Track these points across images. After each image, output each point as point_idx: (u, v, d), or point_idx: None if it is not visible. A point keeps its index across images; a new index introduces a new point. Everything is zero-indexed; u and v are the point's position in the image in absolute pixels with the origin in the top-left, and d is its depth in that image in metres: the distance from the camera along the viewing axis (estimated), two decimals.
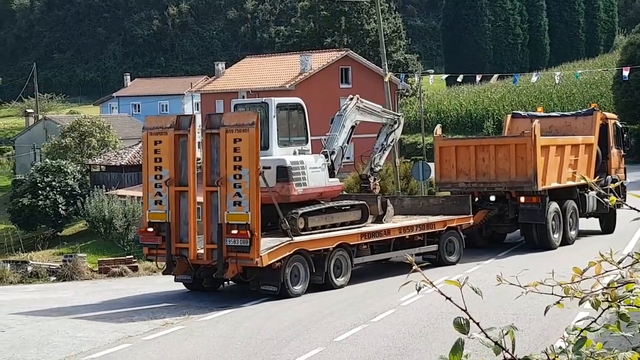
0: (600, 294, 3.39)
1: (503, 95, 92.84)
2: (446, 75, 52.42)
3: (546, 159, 28.11)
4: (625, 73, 46.92)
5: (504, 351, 3.17)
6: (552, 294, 3.53)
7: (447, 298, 3.34)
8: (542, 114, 33.97)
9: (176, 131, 21.97)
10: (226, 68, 73.52)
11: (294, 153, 23.94)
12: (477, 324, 3.21)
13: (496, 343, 3.13)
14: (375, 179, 27.53)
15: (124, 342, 17.40)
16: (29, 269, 33.72)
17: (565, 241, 29.15)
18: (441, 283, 3.50)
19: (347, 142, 25.92)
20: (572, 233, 29.79)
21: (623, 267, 3.39)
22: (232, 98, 64.03)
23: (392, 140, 28.12)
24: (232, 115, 22.06)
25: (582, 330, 3.39)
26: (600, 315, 3.50)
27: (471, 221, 27.35)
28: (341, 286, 22.93)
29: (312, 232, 23.04)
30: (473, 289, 3.28)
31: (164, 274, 23.11)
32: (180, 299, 22.33)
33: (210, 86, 70.36)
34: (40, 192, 49.09)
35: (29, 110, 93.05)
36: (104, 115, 78.34)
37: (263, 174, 21.19)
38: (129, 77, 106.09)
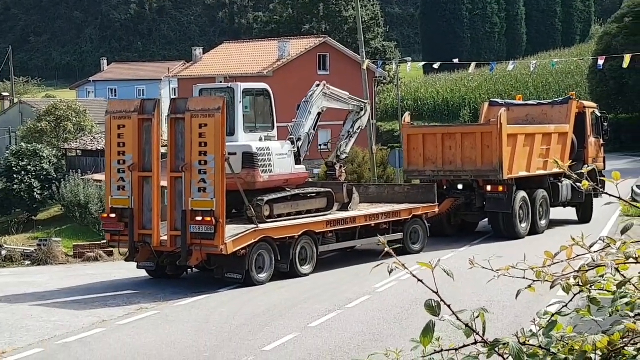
0: (571, 278, 3.41)
1: (480, 84, 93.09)
2: (423, 63, 52.48)
3: (513, 148, 27.95)
4: (601, 62, 47.10)
5: (475, 334, 3.19)
6: (524, 277, 3.56)
7: (419, 280, 3.36)
8: (519, 102, 33.94)
9: (140, 115, 21.63)
10: (204, 53, 73.19)
11: (260, 139, 23.68)
12: (449, 306, 3.23)
13: (467, 325, 3.15)
14: (341, 167, 27.39)
15: (99, 327, 17.36)
16: (3, 253, 33.56)
17: (535, 230, 29.03)
18: (415, 268, 3.52)
19: (314, 129, 25.71)
20: (542, 222, 29.68)
21: (594, 251, 3.42)
22: (209, 83, 64.09)
23: (359, 128, 27.89)
24: (198, 100, 21.71)
25: (553, 315, 3.42)
26: (571, 300, 3.52)
27: (437, 210, 27.21)
28: (306, 274, 22.73)
29: (278, 219, 22.84)
30: (445, 271, 3.30)
31: (126, 260, 22.83)
32: (156, 284, 22.26)
33: (188, 71, 70.07)
34: (15, 176, 48.80)
35: (4, 94, 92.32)
36: (81, 100, 77.90)
37: (229, 160, 20.98)
38: (105, 61, 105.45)
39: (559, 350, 3.27)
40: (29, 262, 31.53)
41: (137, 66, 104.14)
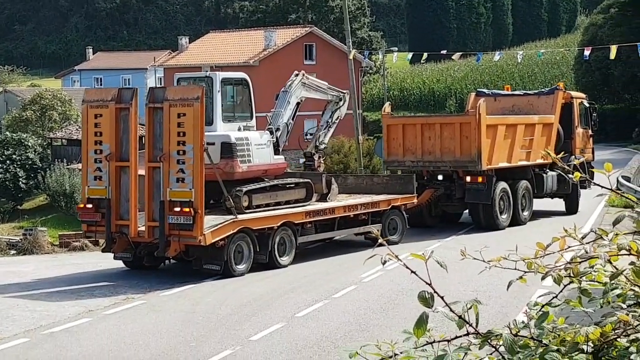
0: (563, 269, 3.41)
1: (466, 74, 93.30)
2: (411, 54, 52.38)
3: (493, 139, 27.76)
4: (586, 53, 47.20)
5: (467, 325, 3.19)
6: (515, 269, 3.56)
7: (412, 272, 3.35)
8: (506, 92, 33.77)
9: (117, 104, 21.33)
10: (190, 43, 73.03)
11: (239, 129, 23.50)
12: (442, 297, 3.23)
13: (460, 317, 3.14)
14: (320, 157, 27.26)
15: (85, 316, 17.33)
16: None
17: (516, 222, 28.85)
18: (405, 258, 3.51)
19: (292, 119, 25.52)
20: (525, 214, 29.52)
21: (587, 243, 3.42)
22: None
23: (337, 118, 27.71)
24: (176, 89, 21.48)
25: (543, 306, 3.42)
26: (561, 291, 3.53)
27: (415, 200, 27.10)
28: (285, 265, 22.55)
29: (257, 210, 22.63)
30: (438, 263, 3.29)
31: (103, 251, 22.65)
32: (142, 274, 22.21)
33: (174, 61, 69.87)
34: (0, 165, 48.61)
35: None
36: (66, 89, 77.53)
37: (207, 150, 20.74)
38: (91, 50, 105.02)
39: (550, 341, 3.27)
40: (15, 252, 31.41)
41: (122, 55, 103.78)
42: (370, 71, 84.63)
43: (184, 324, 16.40)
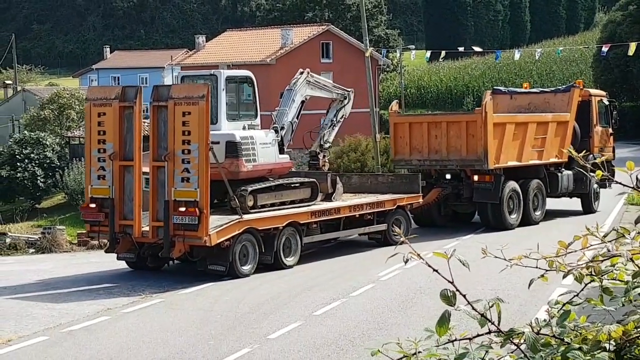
0: (584, 268, 3.41)
1: (483, 72, 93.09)
2: (429, 52, 52.23)
3: (501, 137, 27.40)
4: (605, 49, 46.92)
5: (489, 323, 3.19)
6: (536, 267, 3.55)
7: (434, 270, 3.35)
8: (522, 90, 33.41)
9: (121, 103, 21.08)
10: (207, 41, 73.13)
11: (244, 128, 23.22)
12: (464, 296, 3.23)
13: (482, 315, 3.14)
14: (324, 156, 26.98)
15: (103, 315, 17.40)
16: (8, 240, 33.64)
17: (527, 221, 28.41)
18: (426, 256, 3.51)
19: (297, 118, 25.17)
20: (537, 213, 29.07)
21: (608, 241, 3.41)
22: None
23: (342, 117, 27.35)
24: (181, 87, 21.22)
25: (564, 304, 3.41)
26: (582, 289, 3.52)
27: (421, 200, 26.78)
28: (290, 266, 22.26)
29: (262, 210, 22.35)
30: (460, 261, 3.29)
31: (106, 252, 22.32)
32: (159, 273, 22.26)
33: (191, 59, 69.96)
34: (18, 164, 48.78)
35: (7, 82, 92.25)
36: (83, 88, 77.79)
37: (213, 149, 20.46)
38: (108, 49, 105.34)
39: (571, 339, 3.26)
40: (34, 250, 31.59)
41: (140, 54, 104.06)
42: (388, 69, 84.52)
43: (202, 322, 16.43)
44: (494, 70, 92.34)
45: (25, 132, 53.94)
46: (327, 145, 27.21)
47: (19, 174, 48.48)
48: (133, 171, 21.02)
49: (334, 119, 27.18)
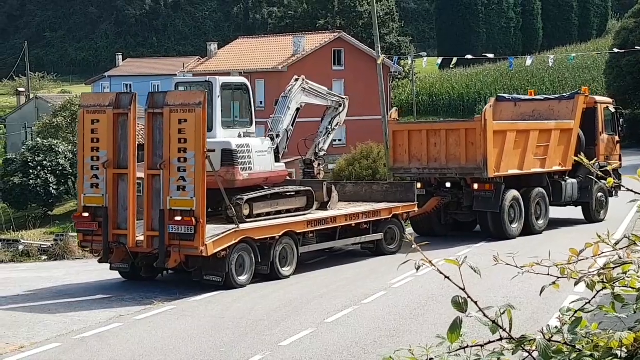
0: (596, 275, 3.41)
1: (495, 79, 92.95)
2: (441, 59, 52.22)
3: (502, 145, 26.91)
4: (618, 50, 46.62)
5: (501, 330, 3.19)
6: (548, 274, 3.55)
7: (445, 277, 3.36)
8: (526, 97, 33.08)
9: (115, 110, 20.68)
10: (219, 49, 73.34)
11: (239, 135, 22.90)
12: (476, 303, 3.23)
13: (494, 322, 3.15)
14: (319, 164, 26.52)
15: (116, 322, 17.43)
16: (20, 247, 33.72)
17: (529, 231, 27.94)
18: (437, 263, 3.51)
19: (292, 125, 24.84)
20: (540, 222, 28.58)
21: (620, 249, 3.42)
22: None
23: (337, 124, 27.03)
24: (177, 94, 20.74)
25: (576, 311, 3.41)
26: (594, 297, 3.52)
27: (416, 209, 26.43)
28: (287, 276, 21.86)
29: (257, 219, 21.95)
30: (472, 268, 3.30)
31: (99, 262, 21.71)
32: (171, 280, 22.28)
33: (203, 67, 70.17)
34: (31, 171, 48.98)
35: (20, 89, 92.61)
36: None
37: (210, 158, 20.07)
38: (120, 56, 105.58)
39: (583, 346, 3.26)
40: (46, 257, 31.66)
41: (152, 61, 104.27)
42: (400, 77, 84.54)
43: (214, 329, 16.45)
44: (506, 77, 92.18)
45: (38, 139, 54.16)
46: (322, 154, 26.71)
47: (31, 181, 48.68)
48: (127, 179, 20.62)
49: (329, 127, 26.80)
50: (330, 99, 26.79)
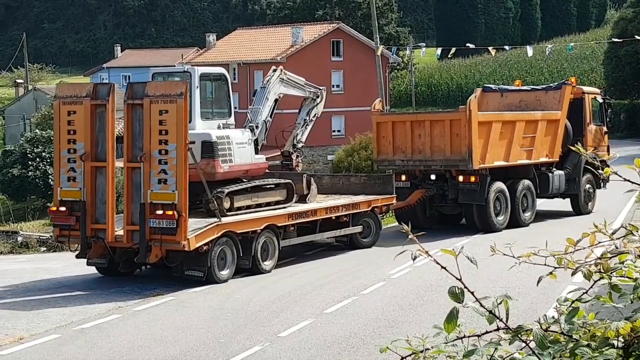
0: (593, 265, 3.42)
1: (494, 69, 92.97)
2: (440, 49, 52.17)
3: (487, 136, 26.42)
4: (617, 40, 46.55)
5: (497, 320, 3.20)
6: (545, 264, 3.56)
7: (442, 267, 3.36)
8: (513, 88, 32.68)
9: (93, 101, 20.10)
10: (217, 40, 73.24)
11: (218, 127, 22.44)
12: (472, 293, 3.24)
13: (490, 312, 3.16)
14: (297, 156, 26.08)
15: (115, 313, 17.46)
16: (19, 239, 33.77)
17: (516, 223, 27.53)
18: (435, 254, 3.52)
19: (270, 116, 24.35)
20: (526, 215, 28.14)
21: (617, 238, 3.42)
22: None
23: (314, 116, 26.51)
24: (158, 85, 20.18)
25: (573, 301, 3.42)
26: (591, 287, 3.53)
27: (394, 201, 26.10)
28: (268, 271, 21.44)
29: (238, 212, 21.50)
30: (468, 258, 3.30)
31: (77, 257, 21.27)
32: (170, 272, 22.26)
33: (201, 58, 70.09)
34: (30, 162, 48.91)
35: (18, 81, 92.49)
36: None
37: (192, 150, 19.59)
38: (119, 48, 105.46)
39: (580, 336, 3.27)
40: (45, 249, 31.68)
41: (150, 53, 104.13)
42: (398, 67, 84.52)
43: (213, 320, 16.47)
44: (504, 67, 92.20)
45: (37, 130, 54.10)
46: (300, 145, 26.27)
47: (30, 173, 48.64)
48: (106, 172, 20.14)
49: (307, 118, 26.34)
50: (308, 90, 26.25)
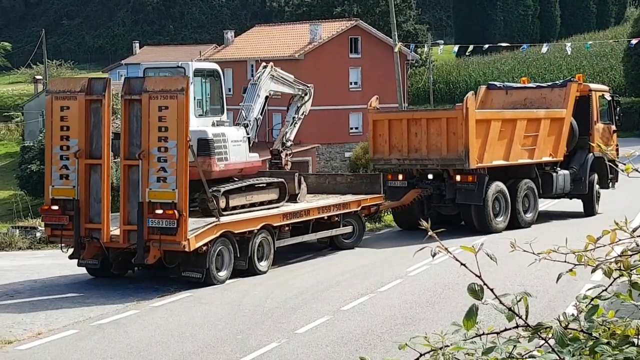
0: (613, 262, 3.39)
1: (512, 67, 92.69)
2: (457, 47, 52.03)
3: (485, 135, 25.81)
4: (634, 41, 46.38)
5: (517, 317, 3.19)
6: (565, 261, 3.54)
7: (461, 264, 3.35)
8: (518, 85, 32.10)
9: (87, 96, 19.51)
10: (235, 37, 73.29)
11: (213, 124, 21.94)
12: (492, 290, 3.23)
13: (510, 309, 3.14)
14: (287, 154, 25.61)
15: (132, 309, 17.49)
16: (38, 234, 33.82)
17: (516, 224, 26.79)
18: (454, 251, 3.51)
19: (261, 114, 23.93)
20: (528, 216, 27.43)
21: (637, 236, 3.40)
22: (241, 67, 64.07)
23: (303, 113, 26.14)
24: (157, 80, 19.59)
25: (593, 299, 3.40)
26: (611, 284, 3.51)
27: (383, 201, 25.80)
28: (264, 271, 21.04)
29: (233, 212, 21.07)
30: (488, 255, 3.28)
31: (70, 257, 20.42)
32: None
33: (219, 55, 70.16)
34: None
35: (37, 77, 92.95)
36: (113, 83, 78.16)
37: (192, 147, 19.07)
38: (137, 44, 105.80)
39: (600, 334, 3.25)
40: (63, 244, 31.71)
41: (168, 49, 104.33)
42: (416, 64, 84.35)
43: (230, 316, 16.50)
44: (523, 65, 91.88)
45: None
46: (289, 144, 25.91)
47: (43, 168, 48.78)
48: (101, 170, 19.47)
49: (295, 116, 26.01)
50: (297, 87, 25.89)
